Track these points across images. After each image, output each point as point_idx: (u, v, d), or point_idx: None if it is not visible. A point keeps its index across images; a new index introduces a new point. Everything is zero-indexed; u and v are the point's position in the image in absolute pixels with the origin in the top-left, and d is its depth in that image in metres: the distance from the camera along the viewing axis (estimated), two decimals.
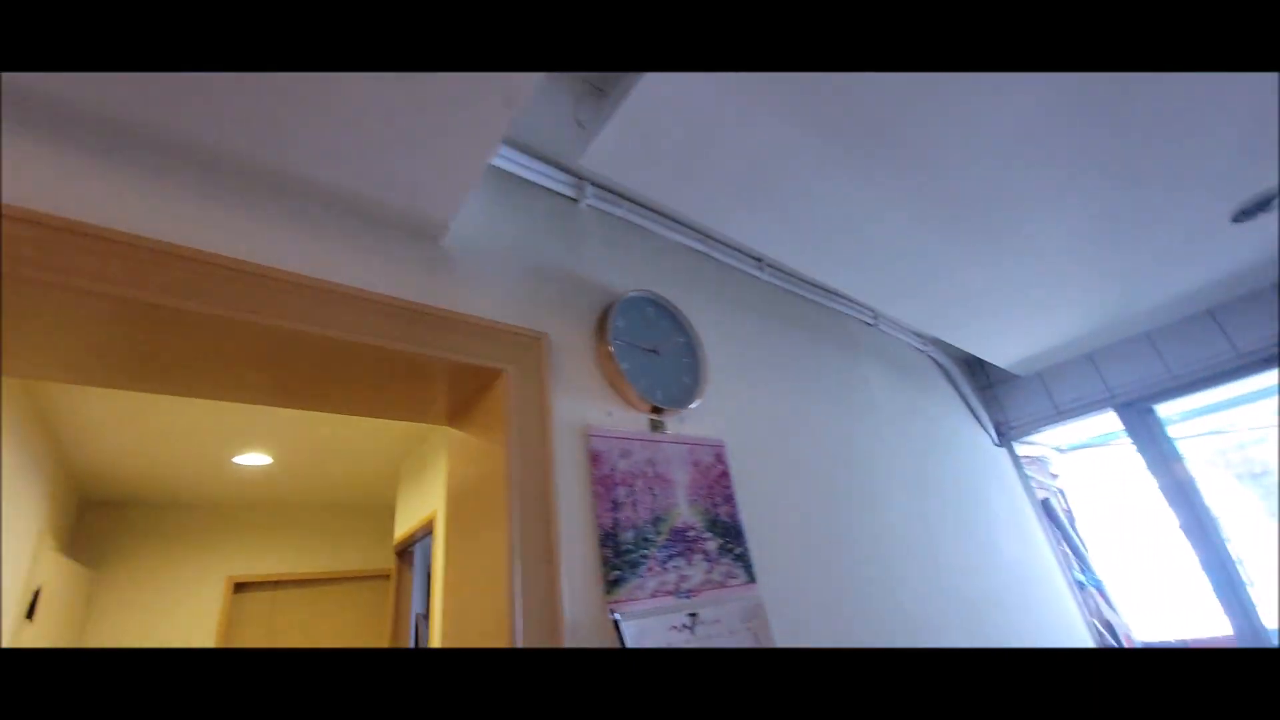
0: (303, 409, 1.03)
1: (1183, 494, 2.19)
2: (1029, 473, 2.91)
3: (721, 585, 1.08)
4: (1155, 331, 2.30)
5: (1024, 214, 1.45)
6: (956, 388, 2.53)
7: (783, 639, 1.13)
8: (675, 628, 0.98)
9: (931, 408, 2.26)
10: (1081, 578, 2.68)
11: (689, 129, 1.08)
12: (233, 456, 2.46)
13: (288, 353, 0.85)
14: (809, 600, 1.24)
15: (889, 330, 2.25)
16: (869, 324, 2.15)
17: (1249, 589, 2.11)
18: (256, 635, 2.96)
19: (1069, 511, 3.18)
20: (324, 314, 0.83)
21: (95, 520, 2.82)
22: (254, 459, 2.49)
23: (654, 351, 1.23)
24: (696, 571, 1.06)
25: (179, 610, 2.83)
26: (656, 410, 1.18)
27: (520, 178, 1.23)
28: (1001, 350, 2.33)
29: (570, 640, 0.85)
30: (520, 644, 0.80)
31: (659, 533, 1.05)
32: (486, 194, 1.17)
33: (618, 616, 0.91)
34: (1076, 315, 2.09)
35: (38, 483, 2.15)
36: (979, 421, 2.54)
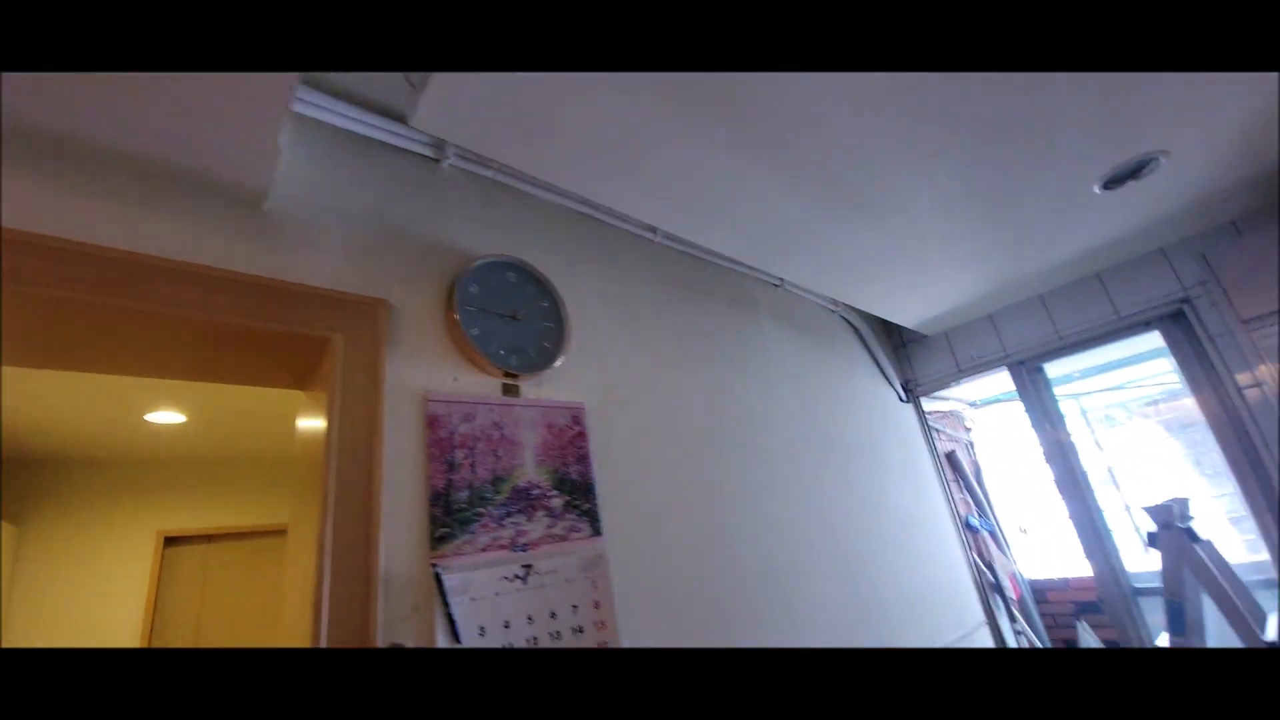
0: (148, 377, 1.04)
1: (1060, 451, 2.34)
2: (939, 426, 3.07)
3: (563, 539, 1.15)
4: (1048, 294, 2.40)
5: (893, 181, 1.48)
6: (866, 347, 2.62)
7: (628, 586, 1.21)
8: (507, 578, 1.05)
9: (838, 366, 2.35)
10: (976, 523, 2.88)
11: (525, 91, 1.07)
12: (144, 414, 2.44)
13: (116, 327, 0.85)
14: (667, 550, 1.33)
15: (797, 292, 2.30)
16: (775, 285, 2.19)
17: (1111, 537, 2.30)
18: (190, 590, 3.02)
19: (975, 463, 3.37)
20: (144, 289, 0.83)
21: (15, 478, 2.79)
22: (166, 416, 2.48)
23: (512, 317, 1.26)
24: (537, 527, 1.12)
25: (108, 565, 2.86)
26: (511, 375, 1.22)
27: (369, 138, 1.20)
28: (900, 311, 2.41)
29: (384, 590, 0.91)
30: (326, 596, 0.85)
31: (498, 492, 1.10)
32: (328, 155, 1.15)
33: (439, 569, 0.97)
34: (967, 278, 2.16)
35: None
36: (886, 379, 2.65)
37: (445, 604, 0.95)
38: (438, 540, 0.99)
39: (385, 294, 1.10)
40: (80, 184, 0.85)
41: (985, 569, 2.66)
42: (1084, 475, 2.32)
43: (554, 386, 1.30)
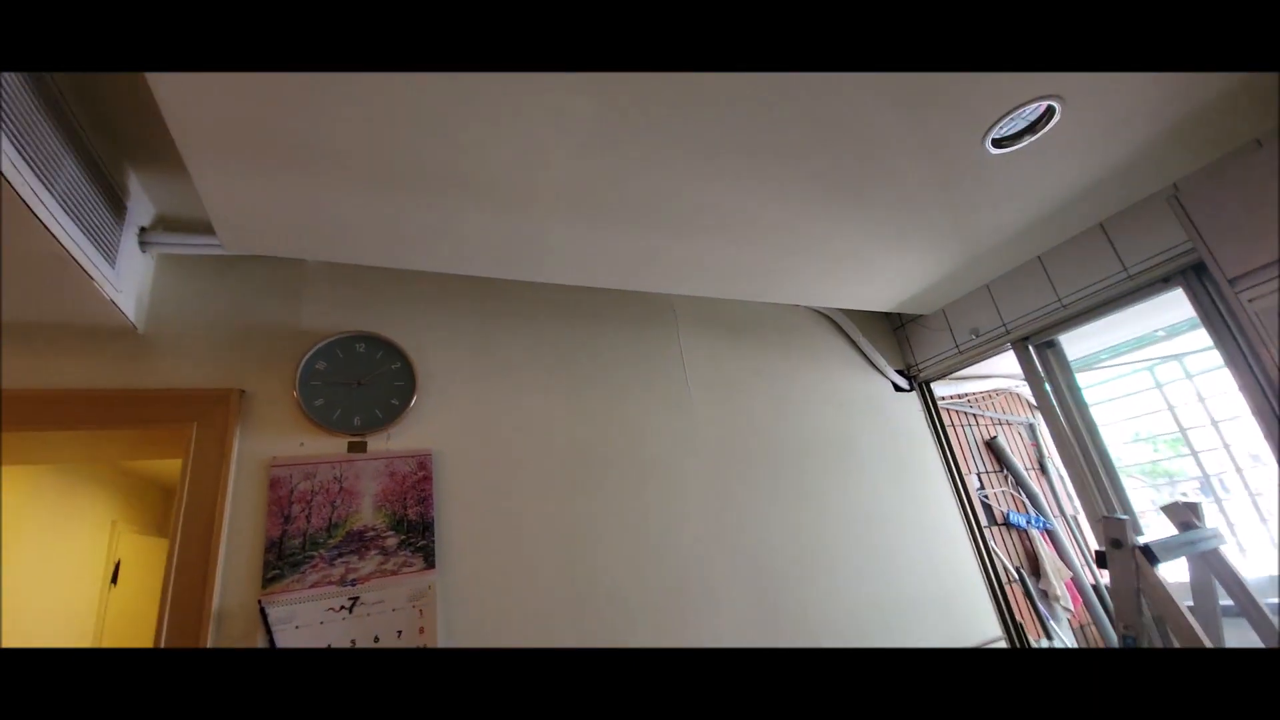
0: (58, 463, 1.45)
1: (1078, 438, 1.99)
2: (976, 410, 2.73)
3: (394, 573, 1.35)
4: (1050, 255, 2.03)
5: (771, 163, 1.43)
6: (848, 338, 2.43)
7: (460, 613, 1.38)
8: (333, 609, 1.28)
9: (800, 363, 2.24)
10: (1021, 519, 2.53)
11: (303, 192, 1.27)
12: None
13: (27, 441, 1.24)
14: (512, 579, 1.47)
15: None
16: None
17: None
18: None
19: (1037, 446, 2.92)
20: (45, 414, 1.20)
21: None
22: None
23: (357, 383, 1.48)
24: (369, 564, 1.34)
25: None
26: (357, 434, 1.44)
27: (237, 256, 1.50)
28: (860, 298, 2.20)
29: (215, 624, 1.18)
30: (165, 627, 1.15)
31: (332, 536, 1.33)
32: (198, 278, 1.46)
33: (264, 604, 1.22)
34: (931, 247, 1.92)
35: None
36: (876, 368, 2.44)
37: (268, 632, 1.21)
38: (269, 580, 1.25)
39: (241, 383, 1.39)
40: None
41: (1012, 571, 2.34)
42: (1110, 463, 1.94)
43: (406, 437, 1.50)
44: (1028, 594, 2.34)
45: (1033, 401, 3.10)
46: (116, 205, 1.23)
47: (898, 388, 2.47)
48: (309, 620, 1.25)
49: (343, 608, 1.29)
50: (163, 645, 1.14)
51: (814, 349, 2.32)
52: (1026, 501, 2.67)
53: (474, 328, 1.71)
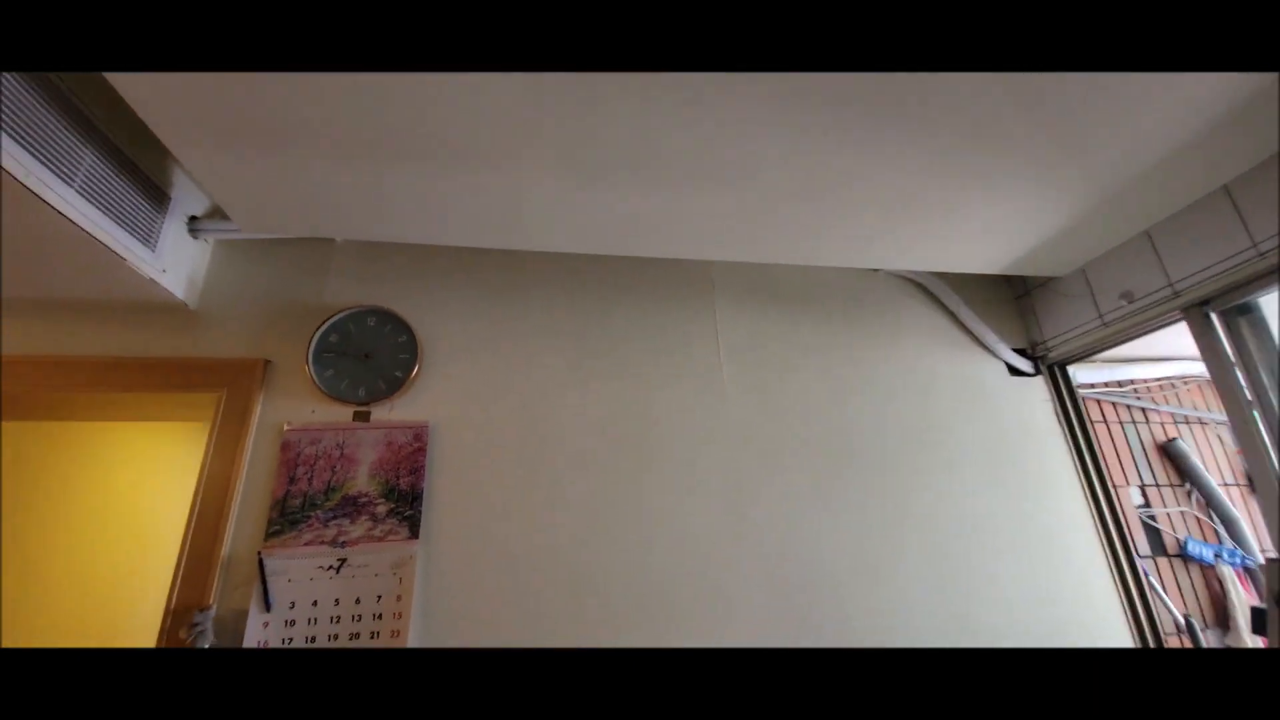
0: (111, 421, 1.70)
1: None
2: (1146, 404, 2.10)
3: (381, 539, 1.39)
4: (1238, 184, 1.43)
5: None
6: (945, 309, 1.99)
7: (439, 585, 1.38)
8: (322, 567, 1.35)
9: (876, 342, 1.89)
10: (1206, 552, 1.89)
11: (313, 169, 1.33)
12: None
13: (85, 402, 1.49)
14: (494, 555, 1.43)
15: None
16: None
17: None
18: None
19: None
20: (100, 379, 1.43)
21: None
22: None
23: (365, 356, 1.54)
24: (359, 528, 1.39)
25: None
26: (362, 404, 1.51)
27: (277, 239, 1.64)
28: (966, 258, 1.77)
29: (223, 569, 1.31)
30: (182, 565, 1.30)
31: (329, 499, 1.41)
32: (244, 260, 1.63)
33: (263, 555, 1.33)
34: (1051, 188, 1.48)
35: None
36: (983, 346, 1.97)
37: (264, 581, 1.31)
38: (270, 535, 1.36)
39: (269, 355, 1.52)
40: (58, 315, 1.49)
41: (1179, 619, 1.74)
42: None
43: (408, 409, 1.53)
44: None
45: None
46: (156, 195, 1.41)
47: (1015, 370, 1.97)
48: (300, 575, 1.34)
49: (331, 567, 1.35)
50: (178, 583, 1.29)
51: (894, 322, 1.94)
52: (1219, 527, 1.97)
53: (487, 302, 1.70)
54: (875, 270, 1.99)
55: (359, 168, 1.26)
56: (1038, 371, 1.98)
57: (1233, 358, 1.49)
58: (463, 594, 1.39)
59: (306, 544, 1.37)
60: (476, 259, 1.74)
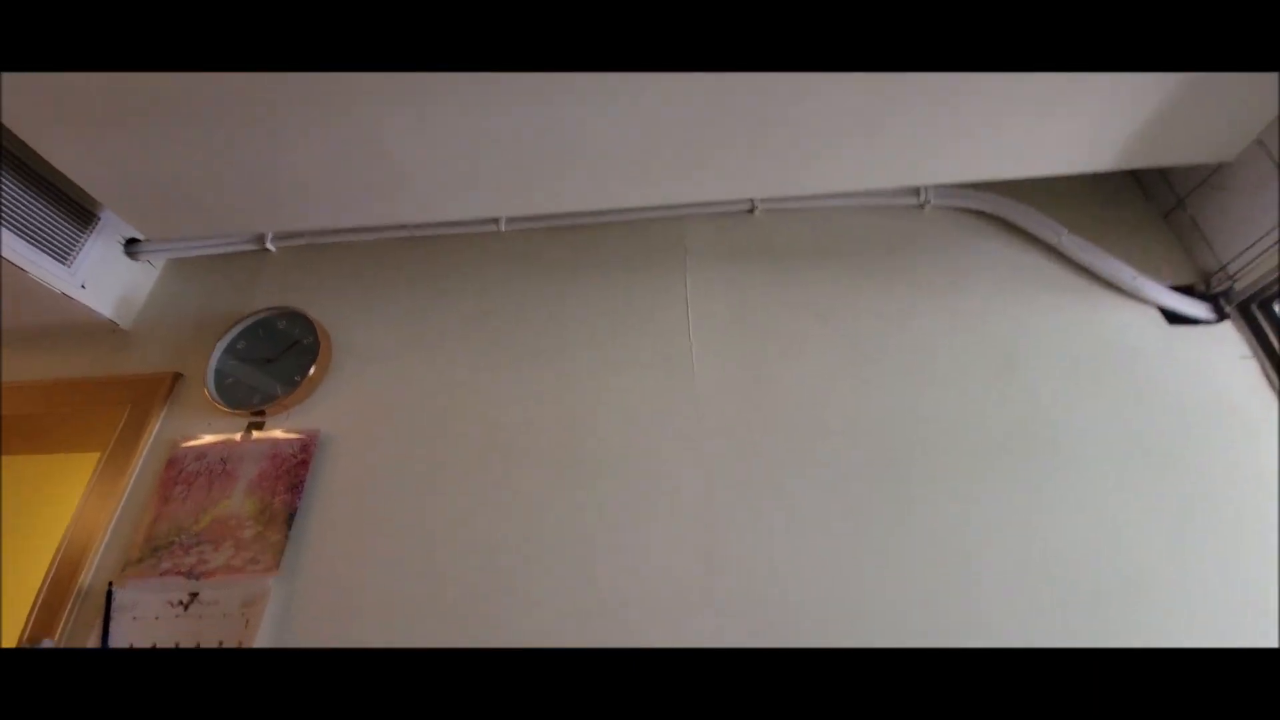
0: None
1: None
2: None
3: (239, 570, 1.13)
4: None
5: None
6: (1038, 242, 1.36)
7: (289, 627, 1.07)
8: (171, 603, 1.12)
9: (930, 296, 1.33)
10: None
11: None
12: None
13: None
14: (367, 598, 1.10)
15: (815, 203, 1.46)
16: (746, 211, 1.48)
17: None
18: None
19: None
20: (31, 398, 1.42)
21: None
22: None
23: (267, 360, 1.37)
24: (220, 556, 1.16)
25: None
26: (257, 413, 1.32)
27: (206, 256, 1.59)
28: (1053, 153, 1.18)
29: (76, 600, 1.14)
30: (42, 598, 1.15)
31: (198, 523, 1.20)
32: (185, 278, 1.59)
33: (113, 588, 1.14)
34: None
35: None
36: (1112, 286, 1.29)
37: (107, 618, 1.11)
38: (133, 563, 1.18)
39: (186, 368, 1.42)
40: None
41: None
42: None
43: (307, 417, 1.32)
44: None
45: None
46: (82, 217, 1.41)
47: (1177, 318, 1.25)
48: (146, 612, 1.12)
49: (180, 603, 1.12)
50: (34, 614, 1.14)
51: (956, 271, 1.35)
52: None
53: (413, 298, 1.47)
54: (920, 205, 1.44)
55: (209, 136, 1.13)
56: (1220, 315, 1.24)
57: None
58: (328, 644, 1.07)
59: (163, 574, 1.16)
60: (404, 254, 1.54)
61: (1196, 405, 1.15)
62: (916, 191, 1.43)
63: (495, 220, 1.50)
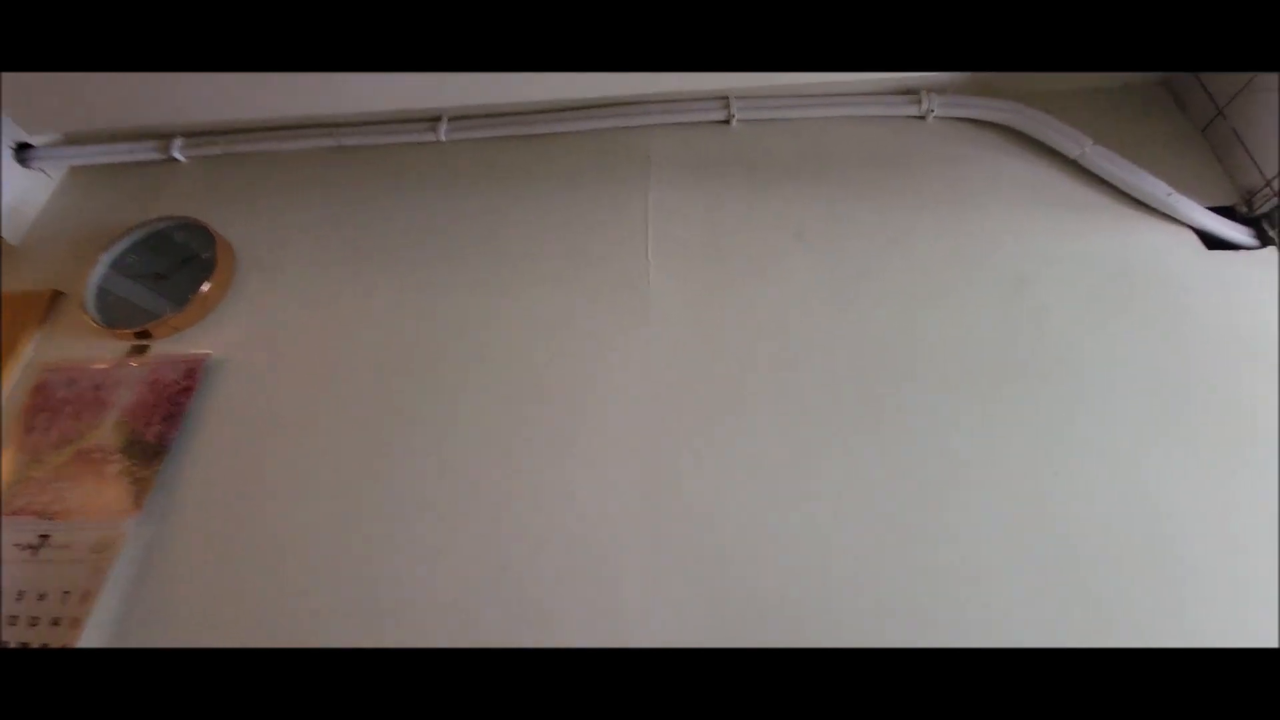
0: None
1: None
2: None
3: (95, 511, 0.96)
4: None
5: None
6: (1069, 161, 1.17)
7: (151, 577, 0.90)
8: (20, 545, 0.95)
9: (930, 213, 1.14)
10: None
11: None
12: None
13: None
14: (249, 548, 0.92)
15: (800, 111, 1.27)
16: (721, 122, 1.28)
17: None
18: None
19: None
20: None
21: None
22: None
23: (160, 276, 1.19)
24: (78, 494, 0.98)
25: None
26: (142, 335, 1.14)
27: (111, 166, 1.40)
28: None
29: None
30: None
31: (60, 454, 1.02)
32: (87, 190, 1.39)
33: None
34: None
35: None
36: (1153, 210, 1.10)
37: None
38: None
39: (69, 286, 1.23)
40: None
41: None
42: None
43: (198, 341, 1.13)
44: None
45: None
46: None
47: (1217, 242, 1.06)
48: None
49: (30, 546, 0.95)
50: None
51: (964, 183, 1.16)
52: None
53: (335, 213, 1.27)
54: (922, 115, 1.24)
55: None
56: (1265, 241, 1.06)
57: None
58: (198, 601, 0.90)
59: (14, 513, 0.98)
60: (340, 168, 1.34)
61: (1236, 340, 0.97)
62: (918, 100, 1.23)
63: (435, 125, 1.31)
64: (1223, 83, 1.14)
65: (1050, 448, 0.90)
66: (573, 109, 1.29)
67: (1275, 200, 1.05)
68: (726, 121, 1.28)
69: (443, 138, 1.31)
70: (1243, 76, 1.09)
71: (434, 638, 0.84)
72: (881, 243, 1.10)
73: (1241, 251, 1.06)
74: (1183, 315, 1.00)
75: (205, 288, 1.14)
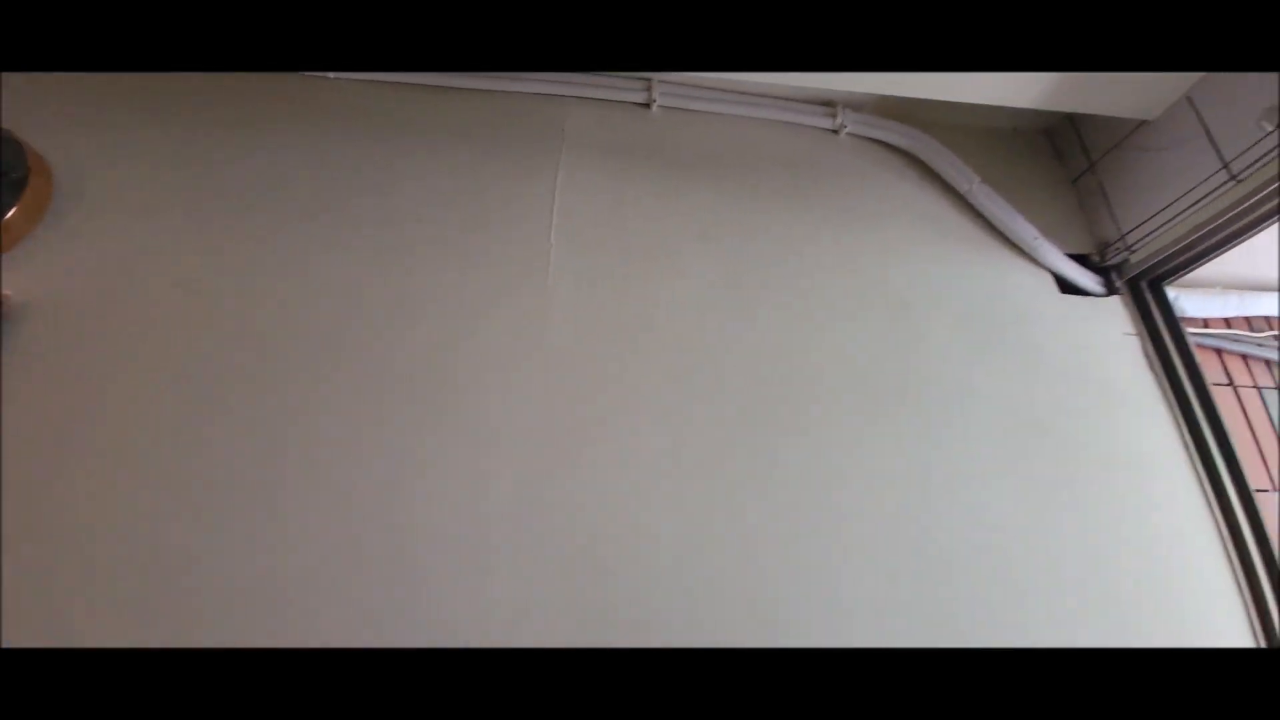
0: None
1: None
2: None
3: None
4: None
5: None
6: (955, 193, 1.23)
7: None
8: None
9: (822, 228, 1.16)
10: None
11: None
12: None
13: None
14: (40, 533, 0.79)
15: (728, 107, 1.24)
16: (642, 106, 1.23)
17: None
18: None
19: None
20: None
21: None
22: None
23: None
24: None
25: None
26: None
27: None
28: (974, 82, 1.03)
29: None
30: None
31: None
32: None
33: None
34: None
35: None
36: (1020, 250, 1.19)
37: None
38: None
39: None
40: None
41: None
42: None
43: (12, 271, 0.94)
44: None
45: None
46: None
47: (1070, 287, 1.18)
48: None
49: None
50: None
51: (860, 207, 1.20)
52: None
53: (187, 144, 1.08)
54: (835, 130, 1.26)
55: None
56: (1110, 290, 1.19)
57: None
58: None
59: None
60: (204, 95, 1.14)
61: (1078, 379, 1.09)
62: (833, 112, 1.25)
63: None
64: (1097, 137, 1.25)
65: (912, 464, 0.97)
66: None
67: (1125, 254, 1.18)
68: (647, 105, 1.23)
69: (330, 74, 1.16)
70: (1117, 134, 1.20)
71: (268, 636, 0.77)
72: (783, 252, 1.12)
73: (1090, 298, 1.18)
74: (1035, 352, 1.10)
75: (11, 214, 0.94)
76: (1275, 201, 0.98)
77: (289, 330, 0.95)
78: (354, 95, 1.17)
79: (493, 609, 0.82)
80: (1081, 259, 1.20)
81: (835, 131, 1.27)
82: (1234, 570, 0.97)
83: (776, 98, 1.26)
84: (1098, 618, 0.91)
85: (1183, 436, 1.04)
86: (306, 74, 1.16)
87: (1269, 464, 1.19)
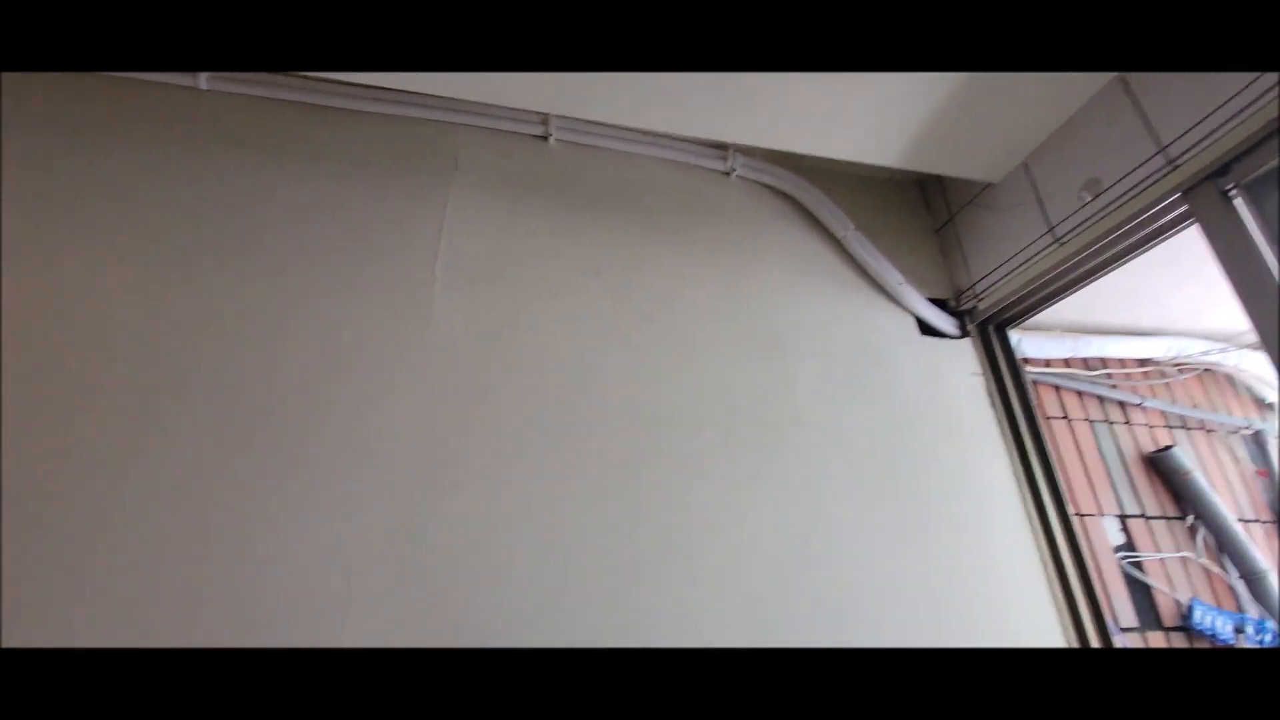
0: None
1: None
2: (1130, 395, 1.43)
3: None
4: None
5: None
6: (824, 230, 1.32)
7: None
8: None
9: (707, 267, 1.21)
10: (1220, 621, 1.19)
11: None
12: None
13: None
14: None
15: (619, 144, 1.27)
16: (539, 137, 1.24)
17: None
18: None
19: (1277, 482, 1.49)
20: None
21: None
22: None
23: None
24: None
25: None
26: None
27: None
28: (843, 139, 1.12)
29: None
30: None
31: None
32: None
33: None
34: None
35: None
36: (878, 288, 1.29)
37: None
38: None
39: None
40: None
41: None
42: None
43: None
44: None
45: (1266, 395, 1.61)
46: None
47: (928, 329, 1.29)
48: None
49: None
50: None
51: (745, 248, 1.26)
52: (1238, 584, 1.27)
53: (90, 166, 1.00)
54: (727, 172, 1.32)
55: None
56: (963, 333, 1.31)
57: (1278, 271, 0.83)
58: None
59: None
60: (62, 96, 1.05)
61: (930, 415, 1.19)
62: (724, 155, 1.31)
63: (194, 72, 1.09)
64: (957, 192, 1.38)
65: (779, 499, 1.03)
66: (375, 87, 1.16)
67: (975, 301, 1.30)
68: (545, 138, 1.24)
69: (204, 85, 1.10)
70: (973, 188, 1.32)
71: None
72: (670, 289, 1.16)
73: (947, 339, 1.30)
74: (896, 390, 1.20)
75: None
76: (1094, 263, 1.12)
77: (141, 355, 0.89)
78: (230, 109, 1.12)
79: (350, 637, 0.80)
80: (941, 303, 1.32)
81: (726, 174, 1.33)
82: (1050, 584, 1.09)
83: (673, 138, 1.30)
84: (934, 625, 1.00)
85: (1014, 468, 1.17)
86: (180, 85, 1.10)
87: (1095, 489, 1.34)
